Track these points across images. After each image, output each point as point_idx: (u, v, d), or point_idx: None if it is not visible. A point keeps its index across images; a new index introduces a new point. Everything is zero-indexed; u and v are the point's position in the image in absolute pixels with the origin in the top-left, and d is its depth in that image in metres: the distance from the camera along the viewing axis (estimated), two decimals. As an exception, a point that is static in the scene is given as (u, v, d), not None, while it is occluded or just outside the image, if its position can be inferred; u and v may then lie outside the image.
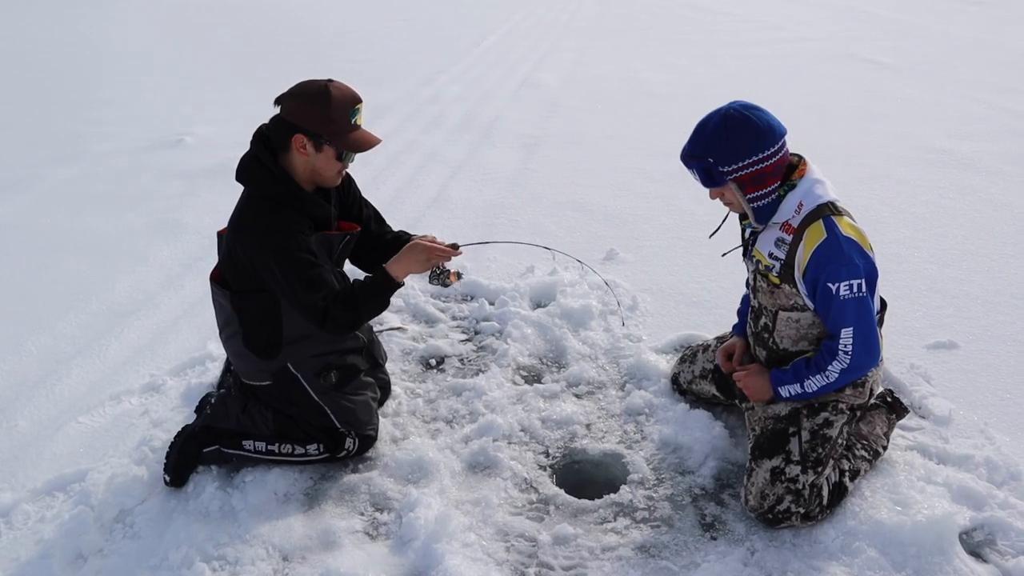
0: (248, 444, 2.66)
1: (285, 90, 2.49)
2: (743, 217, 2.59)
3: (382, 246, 2.91)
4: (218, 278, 2.66)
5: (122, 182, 5.86)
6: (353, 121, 2.48)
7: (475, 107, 8.19)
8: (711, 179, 2.37)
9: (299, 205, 2.51)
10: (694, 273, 4.22)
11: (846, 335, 2.32)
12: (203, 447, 2.66)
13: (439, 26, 13.80)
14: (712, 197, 2.48)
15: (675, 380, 3.12)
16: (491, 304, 3.88)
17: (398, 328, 3.68)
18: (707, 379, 2.96)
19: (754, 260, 2.56)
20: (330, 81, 2.47)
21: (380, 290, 2.56)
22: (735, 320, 2.95)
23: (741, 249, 2.68)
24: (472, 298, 3.99)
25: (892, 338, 3.36)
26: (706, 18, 14.64)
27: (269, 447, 2.66)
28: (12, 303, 4.00)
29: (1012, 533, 2.41)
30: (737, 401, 2.87)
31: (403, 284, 2.61)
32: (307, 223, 2.52)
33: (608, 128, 7.28)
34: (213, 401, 2.82)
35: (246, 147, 2.54)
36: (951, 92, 8.36)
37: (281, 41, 12.17)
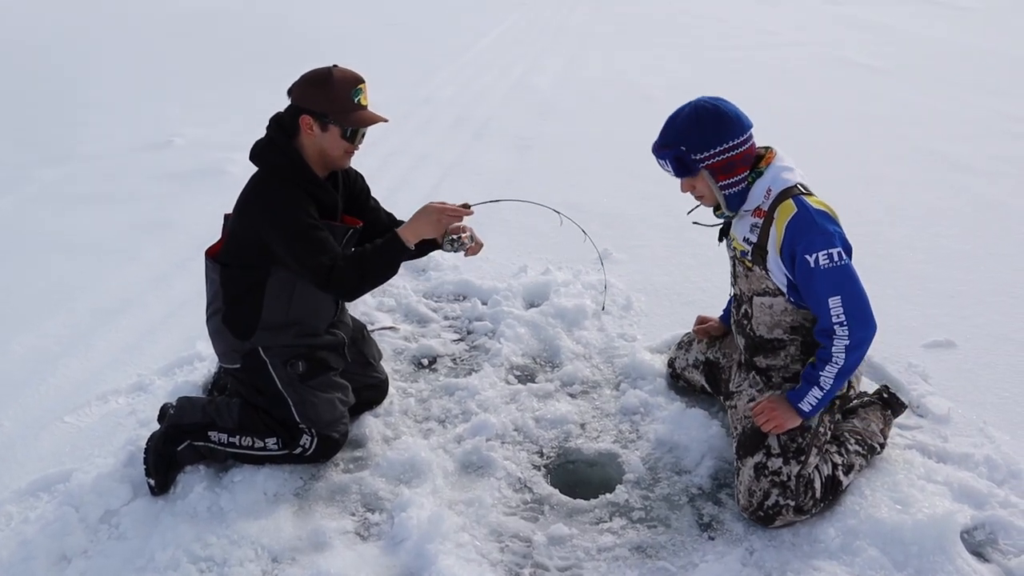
0: (213, 435, 2.63)
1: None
2: (716, 209, 2.58)
3: (381, 233, 2.89)
4: (215, 254, 2.70)
5: (110, 183, 5.77)
6: (356, 100, 2.54)
7: (468, 109, 8.14)
8: (683, 168, 2.42)
9: (309, 188, 2.57)
10: (688, 273, 4.19)
11: (834, 305, 2.28)
12: (175, 446, 2.62)
13: (430, 31, 13.75)
14: (684, 190, 2.54)
15: (671, 364, 3.16)
16: (484, 304, 3.83)
17: (390, 328, 3.63)
18: (698, 369, 3.02)
19: (731, 247, 2.62)
20: (334, 66, 2.56)
21: (387, 251, 2.52)
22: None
23: (718, 231, 2.70)
24: (465, 298, 3.95)
25: (889, 337, 3.34)
26: (697, 23, 14.64)
27: (231, 439, 2.64)
28: (-3, 303, 3.92)
29: (1014, 532, 2.38)
30: (722, 398, 2.86)
31: (413, 249, 2.58)
32: (314, 205, 2.56)
33: (601, 130, 7.25)
34: (175, 403, 2.79)
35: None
36: (944, 95, 8.38)
37: (271, 44, 12.10)
